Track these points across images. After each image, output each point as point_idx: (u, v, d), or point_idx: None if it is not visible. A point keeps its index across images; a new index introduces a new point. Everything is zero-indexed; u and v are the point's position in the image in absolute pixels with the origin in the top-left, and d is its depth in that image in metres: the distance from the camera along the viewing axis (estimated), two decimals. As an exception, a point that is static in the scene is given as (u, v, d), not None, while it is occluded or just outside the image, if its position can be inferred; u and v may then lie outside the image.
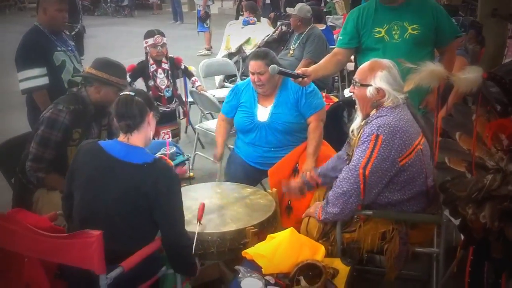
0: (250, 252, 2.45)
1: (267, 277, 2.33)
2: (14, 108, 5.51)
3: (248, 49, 6.87)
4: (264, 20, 7.80)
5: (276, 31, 6.83)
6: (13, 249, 2.17)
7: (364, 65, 2.66)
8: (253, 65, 3.40)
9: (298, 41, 5.94)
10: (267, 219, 2.89)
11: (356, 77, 2.65)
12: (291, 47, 6.02)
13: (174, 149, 3.83)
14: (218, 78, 6.91)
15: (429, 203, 2.58)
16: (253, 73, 3.42)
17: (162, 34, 4.44)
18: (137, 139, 2.32)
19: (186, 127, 4.76)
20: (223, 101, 3.83)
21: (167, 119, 4.40)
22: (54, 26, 3.73)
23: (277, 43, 7.03)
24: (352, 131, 2.72)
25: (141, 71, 4.49)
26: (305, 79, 3.11)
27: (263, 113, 3.48)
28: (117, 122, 2.32)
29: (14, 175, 3.14)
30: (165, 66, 4.48)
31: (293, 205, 3.25)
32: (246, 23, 7.17)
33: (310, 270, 2.32)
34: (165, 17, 16.79)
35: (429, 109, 3.30)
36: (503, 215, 1.77)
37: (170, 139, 4.52)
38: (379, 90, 2.55)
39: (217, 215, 2.93)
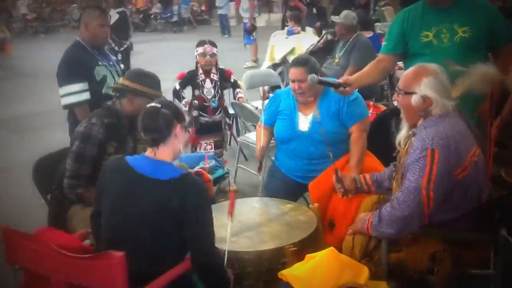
0: (287, 274, 2.28)
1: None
2: (59, 124, 5.57)
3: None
4: (309, 30, 7.64)
5: (321, 40, 6.65)
6: (39, 270, 2.09)
7: (409, 71, 2.46)
8: (293, 72, 3.26)
9: (344, 49, 5.75)
10: (307, 237, 2.72)
11: (400, 84, 2.45)
12: (336, 56, 5.83)
13: (213, 162, 3.75)
14: (261, 90, 6.81)
15: (482, 219, 2.34)
16: (293, 81, 3.27)
17: (213, 44, 4.39)
18: (165, 153, 2.21)
19: (230, 139, 4.65)
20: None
21: (211, 129, 4.32)
22: (96, 41, 3.71)
23: (322, 52, 6.83)
24: (399, 142, 2.52)
25: (190, 79, 4.47)
26: (347, 88, 2.94)
27: (304, 122, 3.32)
28: (143, 135, 2.22)
29: (51, 192, 3.10)
30: (214, 76, 4.42)
31: (336, 221, 3.05)
32: (290, 33, 7.03)
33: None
34: (214, 31, 16.93)
35: (484, 117, 3.04)
36: None
37: (213, 150, 4.44)
38: (425, 98, 2.34)
39: (255, 232, 2.78)
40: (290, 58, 6.76)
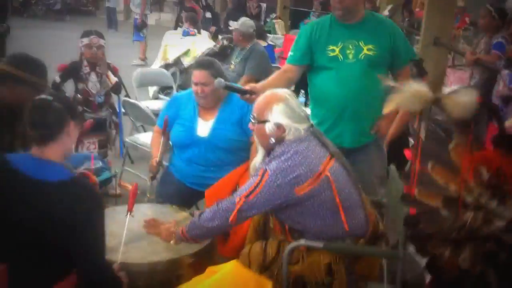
0: (187, 288, 2.12)
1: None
2: None
3: (187, 61, 6.55)
4: (204, 33, 7.50)
5: (217, 45, 6.55)
6: None
7: (260, 99, 2.45)
8: (196, 74, 3.10)
9: (241, 57, 5.68)
10: (204, 248, 2.57)
11: (253, 113, 2.44)
12: (232, 62, 5.76)
13: (100, 164, 3.46)
14: (152, 90, 6.54)
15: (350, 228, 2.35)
16: (196, 84, 3.11)
17: (100, 36, 4.06)
18: (54, 152, 1.93)
19: (114, 139, 4.34)
20: (157, 113, 3.49)
21: (95, 127, 3.97)
22: None
23: (218, 56, 6.72)
24: (253, 167, 2.54)
25: (72, 71, 4.07)
26: (253, 96, 2.84)
27: (203, 127, 3.17)
28: (29, 131, 1.93)
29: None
30: (100, 70, 4.07)
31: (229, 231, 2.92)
32: (186, 34, 6.84)
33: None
34: (99, 24, 16.14)
35: (380, 135, 3.10)
36: (484, 257, 1.55)
37: (97, 149, 4.11)
38: (278, 125, 2.34)
39: (147, 242, 2.58)
40: (184, 60, 6.62)
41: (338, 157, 2.39)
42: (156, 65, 6.80)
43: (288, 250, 2.28)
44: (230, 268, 2.12)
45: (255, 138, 2.53)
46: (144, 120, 4.45)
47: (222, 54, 6.78)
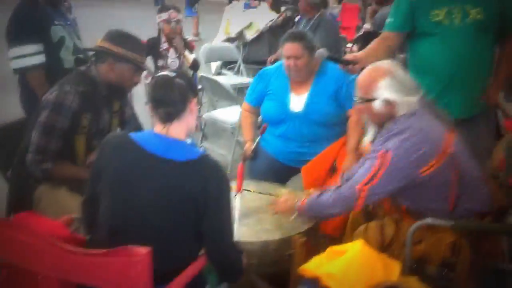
0: (313, 269, 2.03)
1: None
2: (7, 90, 4.90)
3: (250, 35, 6.43)
4: (264, 4, 7.33)
5: (280, 17, 6.40)
6: (25, 266, 1.69)
7: (363, 76, 2.28)
8: (289, 48, 2.97)
9: (308, 28, 5.49)
10: (313, 226, 2.49)
11: (358, 92, 2.26)
12: (300, 33, 5.59)
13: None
14: (214, 65, 6.46)
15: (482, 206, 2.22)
16: (288, 57, 2.98)
17: (178, 10, 3.98)
18: (178, 130, 1.87)
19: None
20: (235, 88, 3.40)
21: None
22: None
23: (281, 29, 6.61)
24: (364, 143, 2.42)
25: (151, 48, 4.02)
26: (356, 65, 2.71)
27: (297, 102, 3.06)
28: (153, 109, 1.86)
29: (12, 168, 2.64)
30: (177, 45, 3.99)
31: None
32: (247, 6, 6.71)
33: (388, 294, 1.92)
34: (146, 1, 16.15)
35: (489, 104, 2.92)
36: None
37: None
38: (388, 102, 2.17)
39: (254, 220, 2.51)
40: (247, 33, 6.48)
41: (457, 131, 2.23)
42: (219, 40, 6.69)
43: (413, 229, 2.16)
44: (358, 249, 2.01)
45: (363, 117, 2.40)
46: (222, 95, 4.37)
47: (285, 26, 6.64)
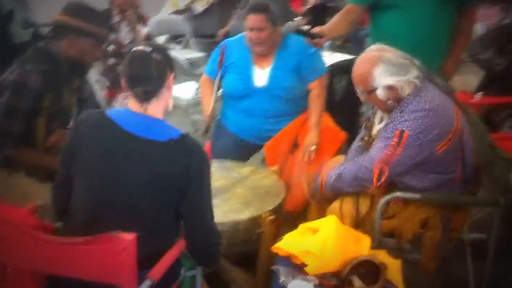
0: (287, 247, 2.04)
1: (309, 277, 1.94)
2: None
3: (200, 6, 6.26)
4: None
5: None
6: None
7: (356, 71, 2.28)
8: (252, 19, 2.91)
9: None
10: (281, 203, 2.49)
11: (357, 86, 2.28)
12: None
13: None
14: (161, 39, 6.28)
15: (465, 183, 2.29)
16: (251, 29, 2.92)
17: None
18: (156, 109, 1.80)
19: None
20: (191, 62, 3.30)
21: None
22: None
23: (231, 1, 6.50)
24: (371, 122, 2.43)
25: None
26: (322, 39, 2.70)
27: (260, 76, 3.01)
28: (129, 87, 1.78)
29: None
30: (129, 17, 3.83)
31: (291, 183, 2.84)
32: (195, -23, 6.51)
33: (363, 268, 1.96)
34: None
35: (448, 76, 2.99)
36: None
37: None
38: (389, 87, 2.19)
39: (220, 200, 2.47)
40: (195, 6, 6.33)
41: (460, 103, 2.27)
42: (165, 13, 6.49)
43: (382, 203, 2.20)
44: (332, 225, 2.03)
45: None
46: (178, 70, 4.26)
47: (236, -2, 6.54)
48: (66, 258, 1.53)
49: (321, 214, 2.62)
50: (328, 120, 3.11)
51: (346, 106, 3.77)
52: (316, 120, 2.97)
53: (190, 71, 4.09)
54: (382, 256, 2.07)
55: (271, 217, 2.35)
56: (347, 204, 2.32)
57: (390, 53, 2.22)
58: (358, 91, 2.31)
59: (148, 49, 1.78)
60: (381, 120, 2.36)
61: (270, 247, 2.39)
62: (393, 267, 2.01)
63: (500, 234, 2.23)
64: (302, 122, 3.04)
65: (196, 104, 4.05)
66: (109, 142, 1.74)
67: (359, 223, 2.29)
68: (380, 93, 2.20)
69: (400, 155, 2.15)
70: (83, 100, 2.73)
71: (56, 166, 2.24)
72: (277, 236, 2.43)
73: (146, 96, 1.76)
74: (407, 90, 2.18)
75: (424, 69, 2.27)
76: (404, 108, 2.17)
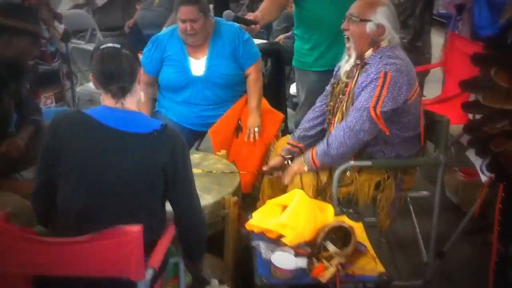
0: (260, 224, 2.15)
1: (287, 248, 2.07)
2: None
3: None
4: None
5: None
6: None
7: (362, 0, 2.45)
8: (185, 11, 2.93)
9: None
10: (239, 185, 2.59)
11: (353, 11, 2.41)
12: (155, -4, 5.46)
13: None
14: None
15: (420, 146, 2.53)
16: (184, 21, 2.95)
17: None
18: (131, 103, 1.82)
19: (72, 90, 4.01)
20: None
21: (49, 80, 3.66)
22: None
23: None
24: (343, 73, 2.50)
25: None
26: (257, 25, 2.81)
27: (197, 66, 3.06)
28: (103, 85, 1.78)
29: None
30: (44, 16, 3.66)
31: (238, 166, 2.93)
32: (94, -31, 6.30)
33: (333, 233, 2.11)
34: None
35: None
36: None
37: (54, 103, 3.81)
38: (379, 27, 2.36)
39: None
40: (98, -2, 6.15)
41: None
42: (65, 6, 6.23)
43: (339, 171, 2.37)
44: (301, 197, 2.17)
45: (349, 40, 2.44)
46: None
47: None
48: (70, 258, 1.53)
49: (274, 191, 2.78)
50: (265, 103, 3.24)
51: (275, 88, 3.91)
52: (256, 103, 3.08)
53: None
54: (346, 221, 2.24)
55: (234, 199, 2.45)
56: (307, 176, 2.46)
57: (394, 10, 2.43)
58: (348, 17, 2.42)
59: (117, 45, 1.79)
60: (346, 62, 2.48)
61: (235, 228, 2.51)
62: (358, 229, 2.19)
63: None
64: (242, 105, 3.13)
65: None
66: (93, 139, 1.74)
67: (319, 192, 2.44)
68: (370, 26, 2.35)
69: (387, 95, 2.27)
70: (22, 103, 2.63)
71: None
72: (239, 216, 2.55)
73: (121, 93, 1.78)
74: (387, 42, 2.37)
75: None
76: (381, 55, 2.34)
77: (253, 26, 2.80)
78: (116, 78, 1.76)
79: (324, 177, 2.46)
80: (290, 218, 2.09)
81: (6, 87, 2.45)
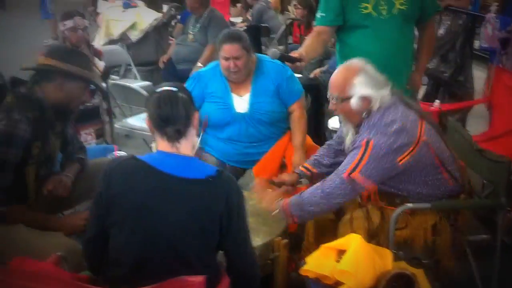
0: (315, 269, 2.06)
1: (345, 296, 1.97)
2: None
3: (134, 35, 6.17)
4: (140, 2, 7.06)
5: (166, 15, 6.24)
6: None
7: (336, 76, 2.37)
8: (228, 49, 2.91)
9: (198, 25, 5.42)
10: (286, 226, 2.51)
11: (333, 92, 2.35)
12: (189, 32, 5.48)
13: (123, 154, 3.22)
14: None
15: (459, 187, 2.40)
16: (227, 58, 2.93)
17: (83, 16, 3.69)
18: (186, 147, 1.78)
19: (111, 127, 4.02)
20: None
21: (90, 116, 3.67)
22: None
23: (165, 27, 6.47)
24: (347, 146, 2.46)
25: None
26: (302, 62, 2.77)
27: (240, 103, 3.02)
28: (159, 128, 1.74)
29: None
30: (86, 52, 3.70)
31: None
32: (127, 6, 6.38)
33: (394, 281, 2.01)
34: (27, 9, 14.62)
35: (415, 89, 3.15)
36: None
37: (94, 140, 3.81)
38: (363, 99, 2.29)
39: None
40: (131, 34, 6.22)
41: (426, 117, 2.38)
42: (99, 42, 6.32)
43: (395, 215, 2.27)
44: (358, 243, 2.07)
45: (340, 117, 2.45)
46: (137, 102, 4.16)
47: (170, 24, 6.50)
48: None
49: (320, 230, 2.69)
50: (309, 139, 3.18)
51: (315, 123, 3.86)
52: (301, 141, 3.03)
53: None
54: (404, 266, 2.13)
55: (284, 241, 2.37)
56: (358, 218, 2.37)
57: (371, 68, 2.34)
58: (331, 98, 2.37)
59: (174, 88, 1.76)
60: (346, 134, 2.44)
61: (284, 271, 2.42)
62: (420, 276, 2.08)
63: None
64: (286, 143, 3.08)
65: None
66: (149, 186, 1.69)
67: (372, 236, 2.34)
68: (354, 102, 2.28)
69: (367, 163, 2.21)
70: (67, 142, 2.61)
71: (47, 222, 2.22)
72: (289, 259, 2.46)
73: (177, 136, 1.74)
74: (377, 104, 2.28)
75: (393, 87, 2.38)
76: (371, 122, 2.27)
77: (298, 63, 2.76)
78: (172, 121, 1.73)
79: (376, 219, 2.36)
80: (349, 264, 1.99)
81: (53, 128, 2.44)
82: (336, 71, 2.39)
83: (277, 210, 2.38)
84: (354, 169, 2.22)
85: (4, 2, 14.12)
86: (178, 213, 1.67)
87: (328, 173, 2.47)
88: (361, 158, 2.22)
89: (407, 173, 2.28)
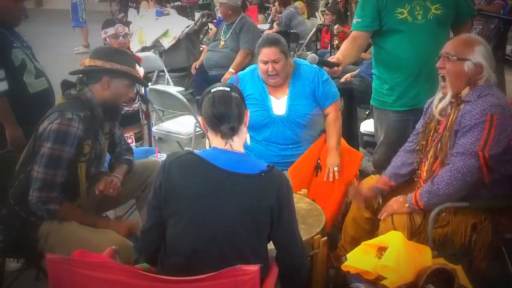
0: (357, 265, 2.12)
1: (387, 291, 2.03)
2: None
3: (166, 42, 6.31)
4: (171, 10, 7.23)
5: (197, 23, 6.38)
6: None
7: (459, 38, 2.46)
8: (266, 52, 3.01)
9: (230, 31, 5.54)
10: (325, 224, 2.58)
11: (451, 50, 2.40)
12: (221, 38, 5.60)
13: (164, 156, 3.33)
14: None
15: None
16: (266, 62, 3.02)
17: (124, 23, 3.82)
18: (239, 144, 1.87)
19: (149, 129, 4.15)
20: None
21: (130, 120, 3.79)
22: (9, 17, 2.94)
23: (197, 34, 6.60)
24: (437, 112, 2.47)
25: None
26: (340, 67, 2.85)
27: (278, 106, 3.11)
28: (214, 126, 1.83)
29: (4, 207, 2.40)
30: None
31: (318, 204, 2.92)
32: (160, 14, 6.55)
33: (434, 276, 2.06)
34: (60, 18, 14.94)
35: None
36: None
37: (134, 143, 3.92)
38: (477, 66, 2.34)
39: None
40: (163, 41, 6.37)
41: None
42: (133, 50, 6.47)
43: (433, 214, 2.32)
44: (399, 240, 2.13)
45: (445, 79, 2.41)
46: (175, 106, 4.28)
47: (201, 31, 6.64)
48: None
49: (357, 230, 2.75)
50: (344, 142, 3.24)
51: (348, 126, 3.91)
52: (336, 142, 3.09)
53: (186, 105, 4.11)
54: (444, 262, 2.19)
55: (324, 239, 2.43)
56: (401, 217, 2.41)
57: (491, 50, 2.42)
58: (443, 55, 2.41)
59: (227, 88, 1.85)
60: (440, 100, 2.45)
61: (324, 268, 2.49)
62: (459, 272, 2.13)
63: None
64: (321, 144, 3.15)
65: (196, 138, 4.08)
66: (205, 179, 1.78)
67: (413, 234, 2.38)
68: (468, 65, 2.34)
69: (494, 138, 2.24)
70: (115, 143, 2.73)
71: (94, 222, 2.34)
72: (328, 256, 2.53)
73: (231, 133, 1.82)
74: (483, 81, 2.34)
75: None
76: (481, 94, 2.31)
77: (335, 68, 2.84)
78: (226, 119, 1.81)
79: (418, 218, 2.40)
80: (391, 259, 2.05)
81: (102, 127, 2.55)
82: (458, 36, 2.49)
83: (408, 206, 2.39)
84: (484, 146, 2.24)
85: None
86: (232, 205, 1.76)
87: (405, 183, 2.58)
88: (489, 133, 2.24)
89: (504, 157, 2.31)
